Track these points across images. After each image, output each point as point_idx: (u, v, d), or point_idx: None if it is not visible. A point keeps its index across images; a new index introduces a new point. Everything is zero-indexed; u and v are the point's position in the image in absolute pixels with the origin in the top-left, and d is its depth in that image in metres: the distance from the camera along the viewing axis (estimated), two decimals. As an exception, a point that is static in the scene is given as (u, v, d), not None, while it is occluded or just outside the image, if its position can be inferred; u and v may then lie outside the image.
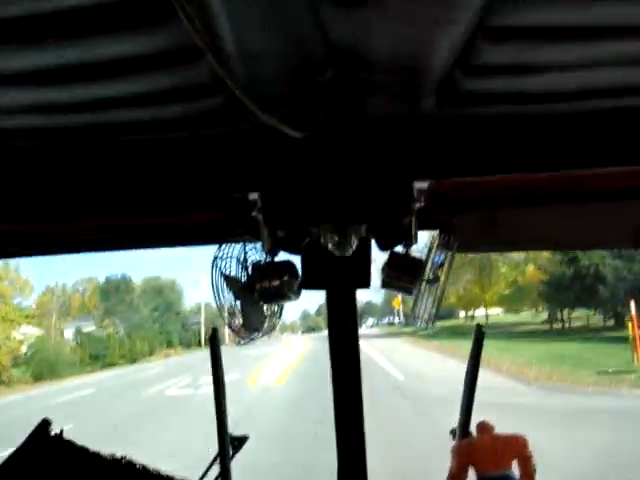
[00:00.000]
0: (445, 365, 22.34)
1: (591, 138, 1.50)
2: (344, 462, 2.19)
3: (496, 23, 1.03)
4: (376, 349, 32.02)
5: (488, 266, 44.01)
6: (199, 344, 57.58)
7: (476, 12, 0.95)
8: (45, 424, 0.94)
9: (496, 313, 53.40)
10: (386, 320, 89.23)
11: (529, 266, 40.58)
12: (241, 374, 23.23)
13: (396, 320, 79.16)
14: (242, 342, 1.87)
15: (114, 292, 65.95)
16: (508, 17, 1.02)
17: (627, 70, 1.25)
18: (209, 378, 1.99)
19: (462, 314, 56.91)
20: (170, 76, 1.19)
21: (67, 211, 1.71)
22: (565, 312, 38.49)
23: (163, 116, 1.35)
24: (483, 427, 2.29)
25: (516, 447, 2.22)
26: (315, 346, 39.86)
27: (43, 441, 0.90)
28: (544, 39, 1.10)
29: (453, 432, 2.52)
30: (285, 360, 31.09)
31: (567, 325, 37.72)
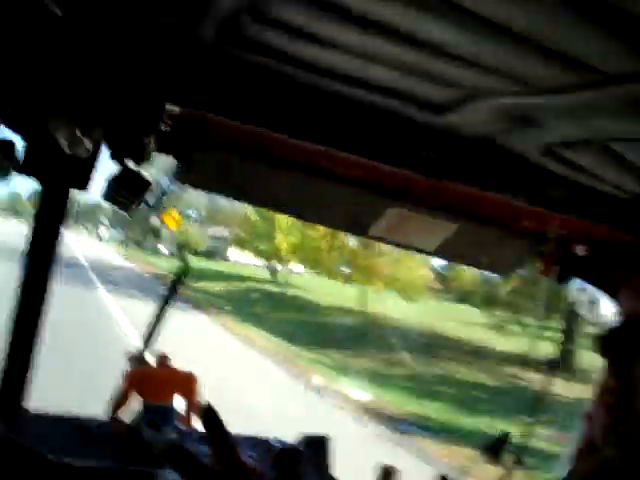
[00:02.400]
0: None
1: (338, 122, 1.58)
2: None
3: None
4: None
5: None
6: None
7: None
8: None
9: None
10: (124, 234, 57.56)
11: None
12: None
13: (162, 248, 46.06)
14: None
15: None
16: None
17: (401, 77, 1.33)
18: None
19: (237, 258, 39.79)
20: None
21: None
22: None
23: None
24: (162, 360, 2.33)
25: (186, 384, 2.30)
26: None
27: None
28: (337, 16, 1.12)
29: (131, 358, 2.53)
30: None
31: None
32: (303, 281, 34.61)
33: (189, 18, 1.27)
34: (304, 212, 2.13)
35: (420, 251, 2.19)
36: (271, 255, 32.04)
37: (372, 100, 1.49)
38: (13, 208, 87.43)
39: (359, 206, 1.96)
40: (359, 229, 2.09)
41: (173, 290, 2.32)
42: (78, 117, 1.57)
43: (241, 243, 35.86)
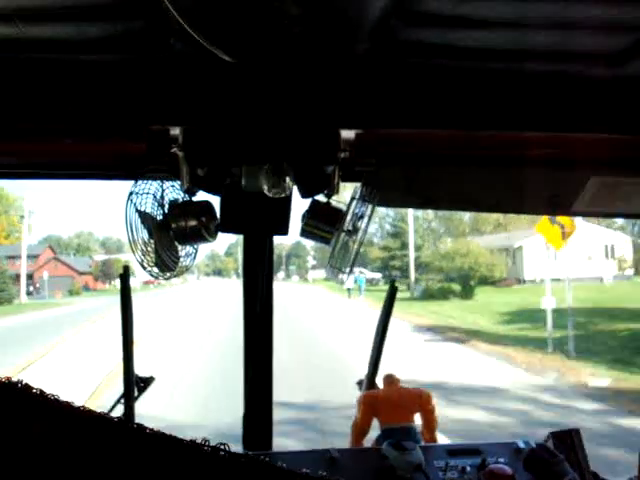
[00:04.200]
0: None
1: (520, 101, 1.50)
2: (250, 415, 2.20)
3: None
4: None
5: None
6: None
7: None
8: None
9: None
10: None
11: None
12: None
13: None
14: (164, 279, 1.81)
15: None
16: None
17: (563, 34, 1.25)
18: None
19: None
20: None
21: None
22: None
23: (84, 35, 1.25)
24: (389, 380, 2.34)
25: (419, 401, 2.28)
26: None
27: None
28: None
29: (360, 383, 2.57)
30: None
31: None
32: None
33: (344, 37, 1.27)
34: (502, 204, 2.06)
35: (631, 217, 2.04)
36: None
37: (538, 69, 1.41)
38: (214, 267, 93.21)
39: (559, 185, 1.87)
40: (562, 209, 1.99)
41: (390, 305, 2.31)
42: (272, 162, 1.63)
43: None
